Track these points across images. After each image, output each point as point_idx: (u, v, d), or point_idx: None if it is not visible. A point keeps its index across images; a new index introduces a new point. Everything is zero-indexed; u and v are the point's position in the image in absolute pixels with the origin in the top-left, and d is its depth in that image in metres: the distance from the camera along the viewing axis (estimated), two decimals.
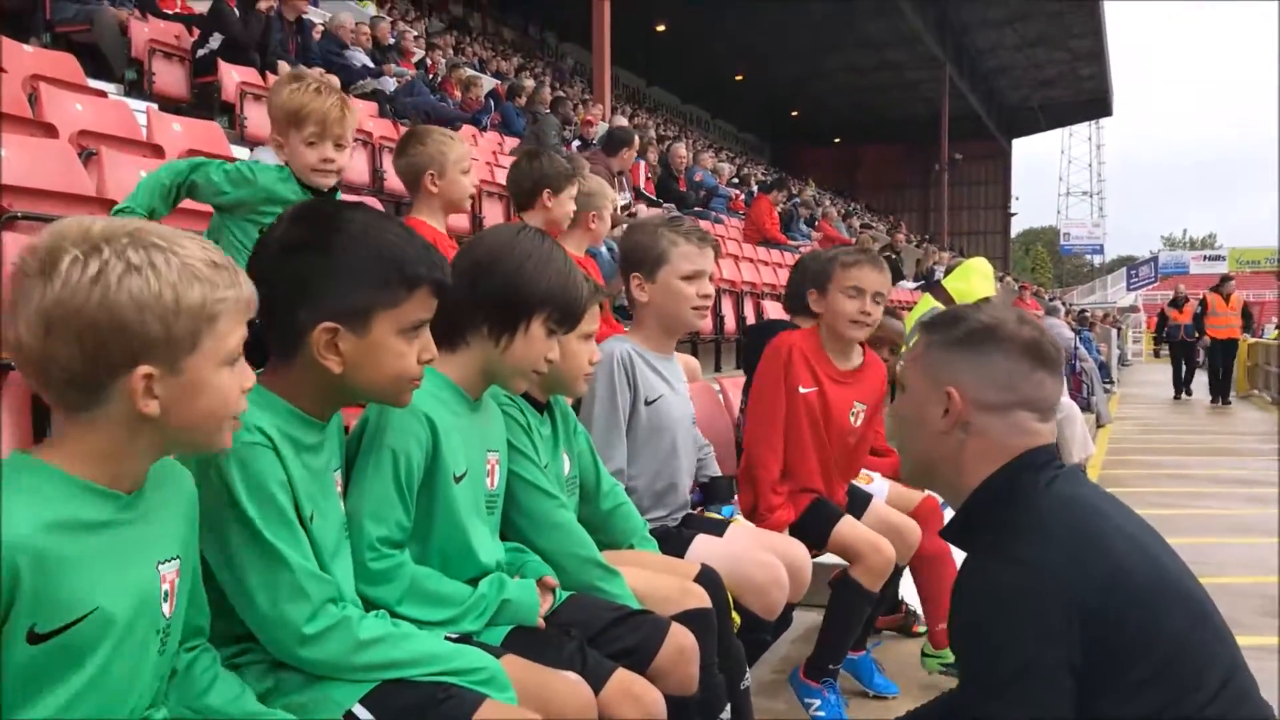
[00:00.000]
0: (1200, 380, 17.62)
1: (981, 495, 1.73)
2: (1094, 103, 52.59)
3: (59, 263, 1.24)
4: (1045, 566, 1.56)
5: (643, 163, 13.29)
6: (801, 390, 3.28)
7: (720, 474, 3.24)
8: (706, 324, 7.65)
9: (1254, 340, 18.40)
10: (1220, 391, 16.37)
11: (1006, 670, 1.55)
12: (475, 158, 7.82)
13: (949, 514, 3.18)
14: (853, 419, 3.38)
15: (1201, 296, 17.59)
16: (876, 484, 3.76)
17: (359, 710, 1.63)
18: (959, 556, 1.84)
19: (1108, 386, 16.68)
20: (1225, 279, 17.72)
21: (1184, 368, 17.85)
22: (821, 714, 3.24)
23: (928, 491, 3.87)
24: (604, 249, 6.75)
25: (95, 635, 1.28)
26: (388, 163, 7.46)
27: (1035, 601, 1.54)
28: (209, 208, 3.20)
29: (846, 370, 3.37)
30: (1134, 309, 42.75)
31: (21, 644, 1.22)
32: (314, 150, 2.99)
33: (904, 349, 5.11)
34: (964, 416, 1.73)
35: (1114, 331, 24.20)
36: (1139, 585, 1.57)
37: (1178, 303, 18.37)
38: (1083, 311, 29.38)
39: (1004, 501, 1.69)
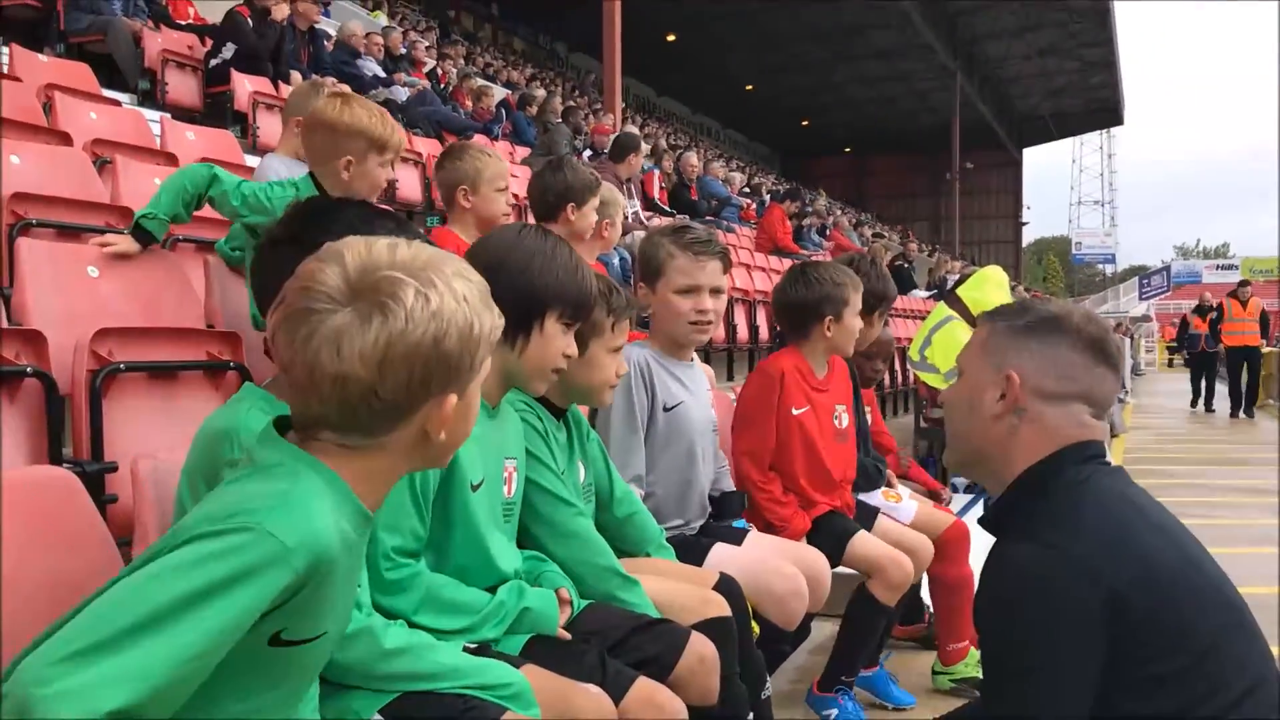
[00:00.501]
0: (1219, 392, 17.30)
1: (1024, 482, 1.71)
2: (1105, 112, 52.56)
3: (401, 296, 1.20)
4: (1076, 553, 1.53)
5: (656, 171, 13.29)
6: (795, 412, 3.25)
7: (733, 489, 3.20)
8: (719, 333, 7.66)
9: (1269, 349, 18.13)
10: (1239, 402, 15.97)
11: (1030, 657, 1.52)
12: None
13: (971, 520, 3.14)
14: (837, 422, 3.41)
15: (1218, 303, 17.33)
16: (905, 504, 3.71)
17: None
18: None
19: (1122, 396, 16.61)
20: (1242, 284, 17.36)
21: (1203, 381, 17.50)
22: None
23: (956, 515, 3.84)
24: (615, 258, 6.77)
25: (314, 654, 1.28)
26: (399, 172, 7.45)
27: (1061, 586, 1.51)
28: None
29: (823, 379, 3.39)
30: (1147, 318, 42.55)
31: (263, 641, 1.19)
32: (385, 171, 3.02)
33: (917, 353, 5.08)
34: (1020, 402, 1.71)
35: (1127, 341, 24.12)
36: (1172, 584, 1.54)
37: (1202, 310, 18.01)
38: None
39: (1044, 490, 1.67)
